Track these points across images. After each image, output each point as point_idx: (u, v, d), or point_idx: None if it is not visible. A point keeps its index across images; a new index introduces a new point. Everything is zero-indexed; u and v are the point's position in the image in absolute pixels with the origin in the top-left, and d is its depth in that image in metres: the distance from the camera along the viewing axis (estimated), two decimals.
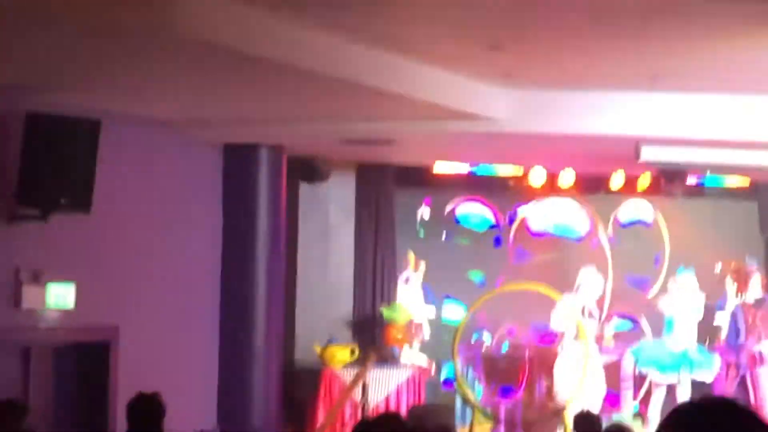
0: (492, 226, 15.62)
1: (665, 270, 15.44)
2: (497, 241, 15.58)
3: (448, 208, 15.30)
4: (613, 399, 14.40)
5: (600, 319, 13.98)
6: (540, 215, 15.62)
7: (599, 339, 13.78)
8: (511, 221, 15.68)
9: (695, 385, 13.54)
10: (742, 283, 13.69)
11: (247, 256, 12.81)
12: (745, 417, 1.94)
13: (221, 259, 12.81)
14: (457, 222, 15.55)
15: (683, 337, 13.55)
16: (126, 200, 11.28)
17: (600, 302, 14.17)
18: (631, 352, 13.78)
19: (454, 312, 14.92)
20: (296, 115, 11.72)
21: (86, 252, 10.82)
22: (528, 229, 15.51)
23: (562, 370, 13.17)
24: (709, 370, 13.55)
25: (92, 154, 10.03)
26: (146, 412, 7.17)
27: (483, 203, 15.61)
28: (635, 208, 15.65)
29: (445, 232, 15.46)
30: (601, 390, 13.23)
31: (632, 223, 15.74)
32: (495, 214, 15.53)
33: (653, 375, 13.50)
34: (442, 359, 14.56)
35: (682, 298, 13.64)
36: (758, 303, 13.55)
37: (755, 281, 13.60)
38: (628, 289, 14.58)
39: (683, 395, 13.26)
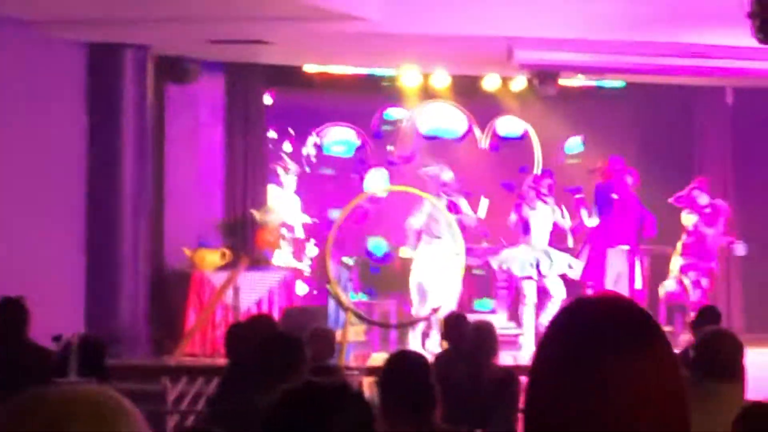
0: (358, 149, 15.68)
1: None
2: (361, 163, 15.63)
3: (313, 140, 15.30)
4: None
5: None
6: (424, 120, 15.70)
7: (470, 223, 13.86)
8: (378, 136, 15.69)
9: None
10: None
11: (112, 159, 12.57)
12: (624, 309, 1.86)
13: (86, 162, 12.54)
14: (321, 150, 15.58)
15: (540, 238, 13.68)
16: None
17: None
18: (494, 259, 13.89)
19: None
20: (163, 14, 11.44)
21: None
22: (408, 134, 15.61)
23: (430, 272, 13.19)
24: (568, 266, 13.71)
25: None
26: (9, 317, 6.98)
27: (348, 125, 15.57)
28: (511, 123, 15.90)
29: (309, 157, 15.47)
30: (456, 291, 13.30)
31: (508, 138, 16.00)
32: (361, 137, 15.57)
33: (516, 272, 13.60)
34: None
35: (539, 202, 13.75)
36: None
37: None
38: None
39: (556, 293, 13.42)
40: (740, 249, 14.30)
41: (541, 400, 1.80)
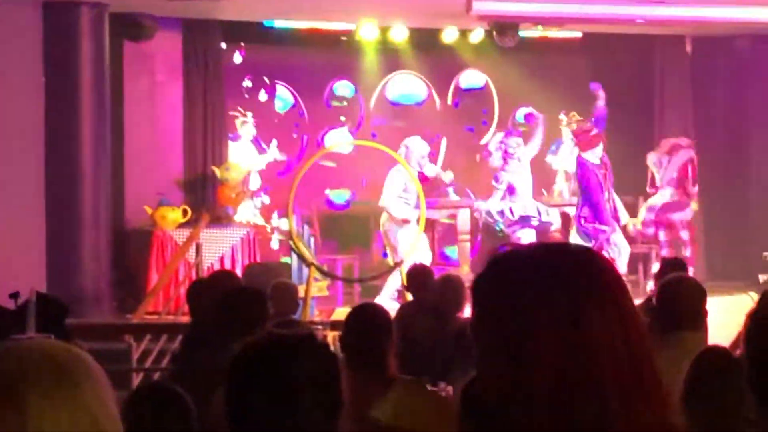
0: (293, 106, 15.62)
1: (495, 126, 15.71)
2: (296, 126, 15.59)
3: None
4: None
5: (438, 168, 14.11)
6: (389, 89, 15.72)
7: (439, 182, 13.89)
8: (328, 105, 15.67)
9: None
10: (585, 143, 13.80)
11: (70, 118, 12.46)
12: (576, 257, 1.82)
13: (44, 121, 12.42)
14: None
15: (525, 196, 13.71)
16: None
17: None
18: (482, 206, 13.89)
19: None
20: None
21: None
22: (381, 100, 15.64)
23: (400, 227, 13.17)
24: (549, 222, 13.77)
25: None
26: None
27: (292, 79, 15.49)
28: (472, 76, 15.90)
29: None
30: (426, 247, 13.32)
31: (470, 89, 16.02)
32: (295, 95, 15.50)
33: (515, 213, 13.63)
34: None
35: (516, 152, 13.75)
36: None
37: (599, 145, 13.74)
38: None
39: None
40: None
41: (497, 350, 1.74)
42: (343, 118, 15.81)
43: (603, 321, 1.72)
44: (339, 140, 15.21)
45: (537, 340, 1.70)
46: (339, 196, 15.37)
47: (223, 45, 14.95)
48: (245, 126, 14.73)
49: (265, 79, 15.31)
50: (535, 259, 1.78)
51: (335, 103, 15.87)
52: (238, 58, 15.21)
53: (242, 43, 15.21)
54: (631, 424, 1.69)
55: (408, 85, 16.10)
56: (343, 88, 15.85)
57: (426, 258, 12.80)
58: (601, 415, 1.68)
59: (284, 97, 15.72)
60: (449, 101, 16.12)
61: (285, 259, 13.62)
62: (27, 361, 1.79)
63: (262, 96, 15.37)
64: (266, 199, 14.59)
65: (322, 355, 2.74)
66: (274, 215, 14.39)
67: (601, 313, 1.72)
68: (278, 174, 14.92)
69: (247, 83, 15.24)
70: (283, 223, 13.63)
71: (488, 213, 13.76)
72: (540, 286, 1.73)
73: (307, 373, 2.65)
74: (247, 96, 15.21)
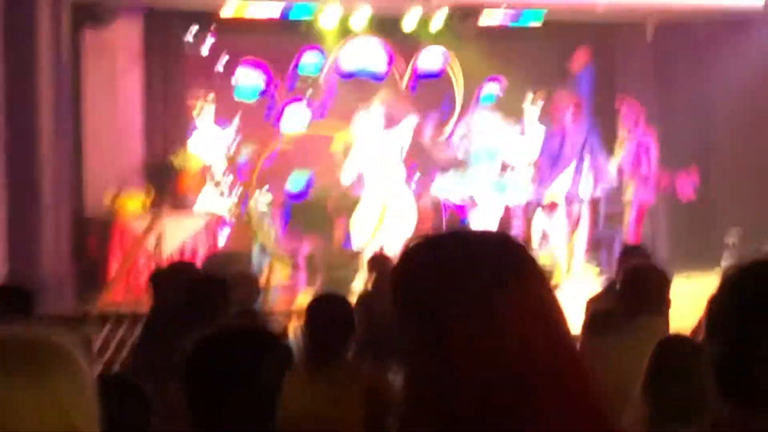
0: (262, 93, 15.48)
1: (457, 114, 15.67)
2: (269, 110, 15.46)
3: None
4: None
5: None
6: (349, 56, 15.56)
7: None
8: (291, 86, 15.59)
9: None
10: (556, 113, 13.79)
11: (29, 106, 12.35)
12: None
13: (3, 108, 12.32)
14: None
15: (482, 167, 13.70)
16: None
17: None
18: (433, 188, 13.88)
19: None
20: None
21: None
22: (338, 70, 15.45)
23: (362, 214, 13.13)
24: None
25: None
26: None
27: (259, 65, 15.35)
28: (430, 58, 15.80)
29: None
30: (407, 230, 13.25)
31: (429, 76, 15.95)
32: (269, 77, 15.32)
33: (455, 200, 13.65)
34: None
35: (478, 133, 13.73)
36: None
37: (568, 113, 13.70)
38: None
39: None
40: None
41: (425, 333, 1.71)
42: (310, 92, 15.72)
43: (519, 311, 1.70)
44: (292, 122, 15.02)
45: (452, 333, 1.68)
46: (297, 181, 15.21)
47: (190, 38, 14.89)
48: (205, 109, 14.59)
49: (220, 67, 15.20)
50: (446, 250, 1.76)
51: (299, 84, 15.77)
52: (210, 40, 15.08)
53: (211, 27, 15.10)
54: (555, 416, 1.67)
55: (366, 56, 15.97)
56: (307, 67, 15.75)
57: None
58: (525, 406, 1.66)
59: (250, 83, 15.58)
60: (404, 84, 16.04)
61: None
62: None
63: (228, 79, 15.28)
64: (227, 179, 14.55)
65: (276, 348, 2.73)
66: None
67: (517, 303, 1.70)
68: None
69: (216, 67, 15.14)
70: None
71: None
72: (451, 278, 1.71)
73: (258, 367, 2.64)
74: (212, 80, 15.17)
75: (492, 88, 15.04)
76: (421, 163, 14.63)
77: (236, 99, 15.11)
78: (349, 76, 15.63)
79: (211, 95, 14.65)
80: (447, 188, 13.80)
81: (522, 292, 1.72)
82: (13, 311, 5.64)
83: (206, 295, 5.80)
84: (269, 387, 2.66)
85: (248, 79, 15.18)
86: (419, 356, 1.72)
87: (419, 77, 15.91)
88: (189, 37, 14.80)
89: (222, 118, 14.80)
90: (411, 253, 1.78)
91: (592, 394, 1.74)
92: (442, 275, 1.72)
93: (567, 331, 1.76)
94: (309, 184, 15.07)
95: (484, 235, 1.82)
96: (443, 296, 1.70)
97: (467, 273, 1.71)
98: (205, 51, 15.02)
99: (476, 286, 1.70)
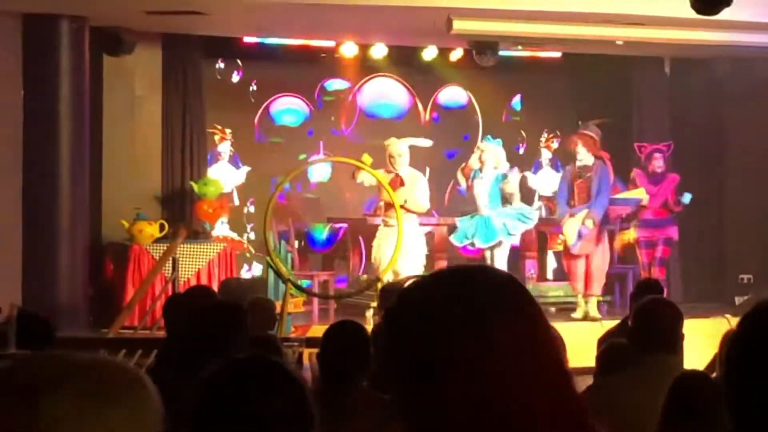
0: (306, 119, 15.67)
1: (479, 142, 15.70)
2: (310, 133, 15.67)
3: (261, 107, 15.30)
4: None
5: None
6: (369, 94, 15.68)
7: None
8: (319, 104, 15.69)
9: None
10: (574, 147, 13.72)
11: (49, 132, 12.44)
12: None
13: (22, 136, 12.40)
14: (272, 120, 15.56)
15: (483, 206, 13.59)
16: None
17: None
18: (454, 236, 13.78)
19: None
20: None
21: None
22: (358, 106, 15.61)
23: (380, 243, 13.09)
24: (495, 239, 13.66)
25: None
26: None
27: (296, 97, 15.55)
28: (453, 93, 15.91)
29: (256, 131, 15.46)
30: (420, 261, 13.19)
31: (451, 107, 16.03)
32: (308, 105, 15.55)
33: (454, 243, 13.58)
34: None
35: (486, 168, 13.65)
36: (581, 170, 13.64)
37: (583, 147, 13.61)
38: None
39: (500, 259, 13.46)
40: (686, 197, 14.21)
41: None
42: (332, 118, 15.87)
43: (514, 348, 1.71)
44: (317, 158, 15.21)
45: (445, 371, 1.69)
46: (319, 231, 15.32)
47: (221, 64, 15.12)
48: (224, 143, 14.85)
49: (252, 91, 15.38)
50: (441, 288, 1.77)
51: (327, 98, 15.89)
52: (235, 77, 15.31)
53: (239, 61, 15.29)
54: None
55: (387, 94, 16.07)
56: (332, 84, 15.90)
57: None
58: None
59: (295, 107, 15.75)
60: (426, 116, 16.13)
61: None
62: (50, 368, 1.73)
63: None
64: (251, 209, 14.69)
65: (289, 384, 2.72)
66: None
67: (512, 340, 1.71)
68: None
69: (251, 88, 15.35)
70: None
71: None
72: (446, 315, 1.72)
73: (275, 404, 2.63)
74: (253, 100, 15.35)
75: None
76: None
77: (279, 124, 15.31)
78: (370, 115, 15.78)
79: (229, 131, 14.86)
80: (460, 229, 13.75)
81: (514, 328, 1.72)
82: (35, 339, 5.65)
83: (223, 320, 5.79)
84: (282, 427, 2.65)
85: (290, 104, 15.40)
86: (408, 389, 1.73)
87: (443, 108, 16.03)
88: (217, 67, 15.02)
89: (238, 155, 15.04)
90: (405, 289, 1.80)
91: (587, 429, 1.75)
92: (434, 310, 1.73)
93: (561, 369, 1.77)
94: (331, 239, 15.11)
95: (478, 273, 1.82)
96: (433, 329, 1.71)
97: (458, 308, 1.72)
98: (233, 78, 15.23)
99: (471, 324, 1.71)
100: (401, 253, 12.47)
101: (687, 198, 14.07)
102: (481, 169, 13.59)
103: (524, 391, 1.70)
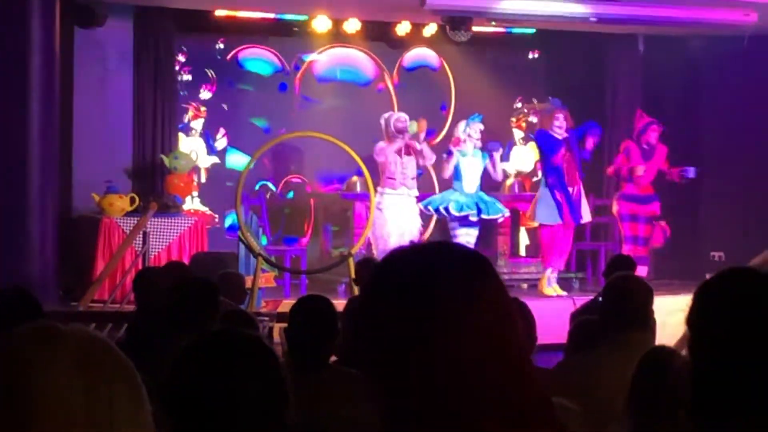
0: (277, 71, 15.54)
1: (451, 117, 15.67)
2: (282, 87, 15.54)
3: (230, 54, 15.20)
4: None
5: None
6: (326, 61, 15.60)
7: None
8: (297, 68, 15.61)
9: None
10: (547, 121, 13.70)
11: (19, 105, 12.32)
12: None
13: None
14: (241, 66, 15.43)
15: (471, 183, 13.59)
16: None
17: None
18: (422, 202, 13.72)
19: (238, 160, 14.90)
20: None
21: None
22: (314, 75, 15.55)
23: (387, 216, 13.08)
24: (500, 213, 13.71)
25: None
26: None
27: (267, 50, 15.48)
28: (421, 53, 15.83)
29: (227, 79, 15.36)
30: (413, 236, 13.21)
31: (417, 67, 15.94)
32: (280, 60, 15.45)
33: (451, 211, 13.47)
34: (225, 208, 14.54)
35: (470, 146, 13.62)
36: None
37: (559, 121, 13.60)
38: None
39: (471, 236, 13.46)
40: (691, 172, 14.19)
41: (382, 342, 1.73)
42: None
43: (476, 329, 1.70)
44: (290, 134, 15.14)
45: (405, 355, 1.69)
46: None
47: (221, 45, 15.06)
48: (197, 120, 14.85)
49: (209, 72, 15.30)
50: (407, 269, 1.76)
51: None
52: (181, 58, 15.25)
53: (189, 33, 15.18)
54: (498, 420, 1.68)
55: (353, 61, 16.03)
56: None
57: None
58: (472, 411, 1.68)
59: (263, 58, 15.66)
60: (393, 80, 16.06)
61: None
62: (45, 340, 1.73)
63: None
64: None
65: (266, 359, 2.71)
66: None
67: (474, 321, 1.70)
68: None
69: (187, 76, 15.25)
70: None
71: (426, 208, 13.70)
72: (408, 297, 1.71)
73: (251, 378, 2.62)
74: (203, 92, 15.25)
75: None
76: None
77: (249, 70, 15.27)
78: (329, 79, 15.71)
79: (204, 109, 14.85)
80: (426, 201, 13.72)
81: (476, 309, 1.71)
82: (25, 312, 5.60)
83: (197, 295, 5.78)
84: (259, 401, 2.63)
85: (260, 56, 15.34)
86: (374, 380, 1.73)
87: (407, 70, 15.94)
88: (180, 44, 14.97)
89: (212, 128, 15.00)
90: (384, 262, 1.79)
91: (553, 425, 1.75)
92: (400, 296, 1.72)
93: (521, 349, 1.76)
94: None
95: (445, 250, 1.80)
96: (398, 317, 1.70)
97: (424, 292, 1.71)
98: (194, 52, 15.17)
99: (431, 305, 1.70)
100: (398, 229, 12.64)
101: (692, 173, 14.07)
102: (465, 147, 13.56)
103: (485, 371, 1.69)
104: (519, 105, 15.18)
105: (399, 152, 13.20)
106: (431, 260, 1.76)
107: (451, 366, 1.68)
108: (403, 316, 1.70)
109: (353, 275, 10.66)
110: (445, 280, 1.72)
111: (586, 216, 13.77)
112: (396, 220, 13.15)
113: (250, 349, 2.68)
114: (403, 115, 13.46)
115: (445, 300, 1.70)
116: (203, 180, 15.03)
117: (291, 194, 15.58)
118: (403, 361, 1.69)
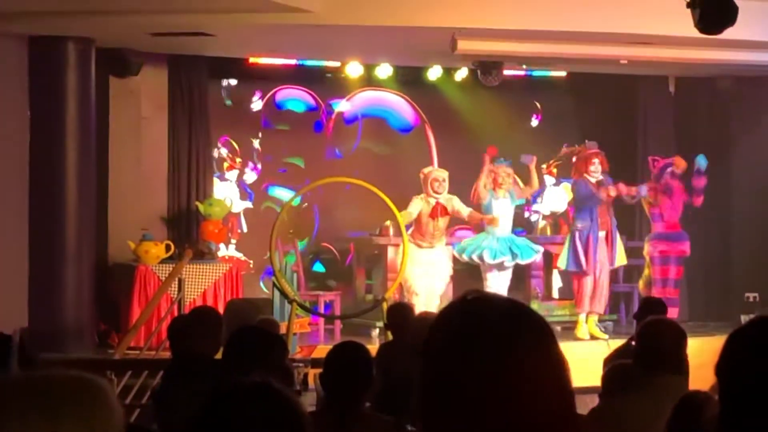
0: (311, 108, 15.65)
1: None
2: (318, 126, 15.65)
3: (266, 96, 15.36)
4: None
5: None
6: (356, 103, 15.71)
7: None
8: (329, 114, 15.71)
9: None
10: (582, 165, 13.79)
11: (55, 153, 12.48)
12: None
13: (29, 156, 12.44)
14: (278, 107, 15.54)
15: (504, 227, 13.61)
16: None
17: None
18: (456, 248, 13.76)
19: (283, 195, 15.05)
20: (105, 6, 11.37)
21: None
22: (344, 119, 15.67)
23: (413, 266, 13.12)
24: (534, 256, 13.73)
25: None
26: None
27: (302, 89, 15.61)
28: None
29: (263, 117, 15.47)
30: (444, 282, 13.30)
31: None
32: (315, 99, 15.59)
33: (486, 259, 13.47)
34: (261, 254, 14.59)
35: (502, 190, 13.66)
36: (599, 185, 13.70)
37: (595, 165, 13.68)
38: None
39: (504, 280, 13.48)
40: (702, 161, 14.22)
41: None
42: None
43: (528, 372, 1.79)
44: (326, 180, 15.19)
45: (464, 392, 1.78)
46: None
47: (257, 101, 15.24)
48: (232, 171, 14.97)
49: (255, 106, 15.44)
50: (463, 315, 1.86)
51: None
52: (258, 104, 15.38)
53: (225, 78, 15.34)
54: None
55: (388, 102, 16.11)
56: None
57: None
58: None
59: (298, 97, 15.78)
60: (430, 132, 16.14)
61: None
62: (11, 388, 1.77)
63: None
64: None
65: (291, 415, 2.71)
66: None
67: (529, 365, 1.79)
68: None
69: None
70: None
71: (460, 256, 13.72)
72: (465, 342, 1.80)
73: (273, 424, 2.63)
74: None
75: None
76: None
77: (286, 109, 15.37)
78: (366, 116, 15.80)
79: (239, 160, 14.97)
80: (459, 247, 13.75)
81: (531, 355, 1.81)
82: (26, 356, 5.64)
83: (256, 344, 5.77)
84: None
85: (295, 94, 15.46)
86: (433, 412, 1.81)
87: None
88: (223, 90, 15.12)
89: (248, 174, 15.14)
90: (438, 319, 1.90)
91: None
92: (457, 339, 1.82)
93: (568, 392, 1.84)
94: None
95: (498, 301, 1.88)
96: (457, 358, 1.80)
97: (480, 338, 1.80)
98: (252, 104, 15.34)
99: (489, 350, 1.78)
100: (431, 276, 12.71)
101: (703, 162, 14.08)
102: (495, 190, 13.61)
103: (537, 410, 1.78)
104: (564, 148, 15.14)
105: (432, 215, 13.28)
106: (505, 319, 1.84)
107: (524, 416, 1.76)
108: (484, 371, 1.78)
109: (386, 320, 10.66)
110: (520, 339, 1.82)
111: (620, 260, 13.80)
112: (427, 269, 13.22)
113: (273, 403, 2.68)
114: (441, 175, 13.50)
115: (522, 358, 1.80)
116: (245, 228, 15.05)
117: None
118: (480, 415, 1.77)
